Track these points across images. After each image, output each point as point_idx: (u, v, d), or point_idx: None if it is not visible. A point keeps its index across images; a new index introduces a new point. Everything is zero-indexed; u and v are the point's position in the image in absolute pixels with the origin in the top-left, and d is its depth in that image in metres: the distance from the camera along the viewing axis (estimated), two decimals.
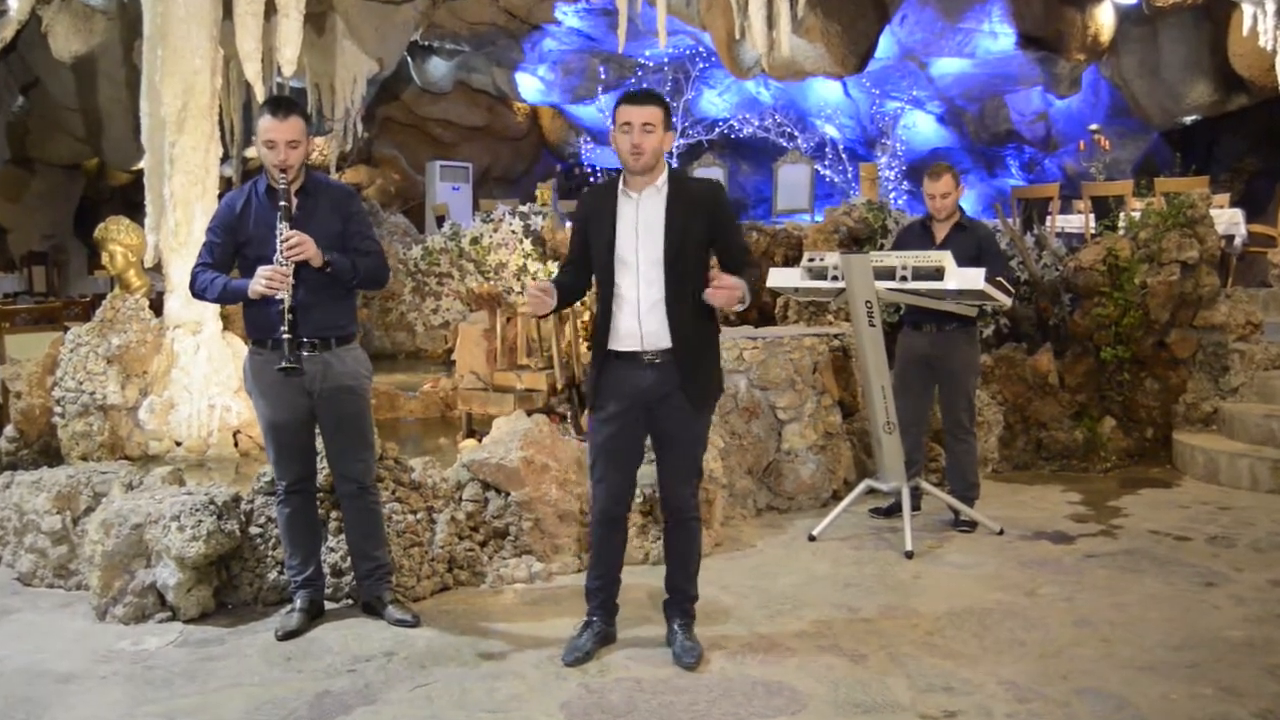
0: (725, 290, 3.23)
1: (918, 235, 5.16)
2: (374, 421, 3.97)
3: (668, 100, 3.50)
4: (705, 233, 3.38)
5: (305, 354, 3.63)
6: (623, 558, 3.58)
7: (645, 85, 15.24)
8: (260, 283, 3.54)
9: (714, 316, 3.51)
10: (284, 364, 3.53)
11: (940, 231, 5.06)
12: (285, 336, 3.53)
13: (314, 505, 3.91)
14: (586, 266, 3.50)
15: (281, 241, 3.54)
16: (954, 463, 5.16)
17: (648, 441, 3.52)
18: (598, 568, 3.54)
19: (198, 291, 3.72)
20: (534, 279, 9.08)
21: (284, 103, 3.68)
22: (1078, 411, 6.48)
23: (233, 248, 3.71)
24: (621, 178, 3.43)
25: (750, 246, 3.41)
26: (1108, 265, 6.50)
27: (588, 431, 3.58)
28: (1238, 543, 4.80)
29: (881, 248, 6.61)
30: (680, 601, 3.54)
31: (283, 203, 3.58)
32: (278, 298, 3.54)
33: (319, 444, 3.89)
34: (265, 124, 3.59)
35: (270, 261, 3.57)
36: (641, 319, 3.34)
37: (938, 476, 5.55)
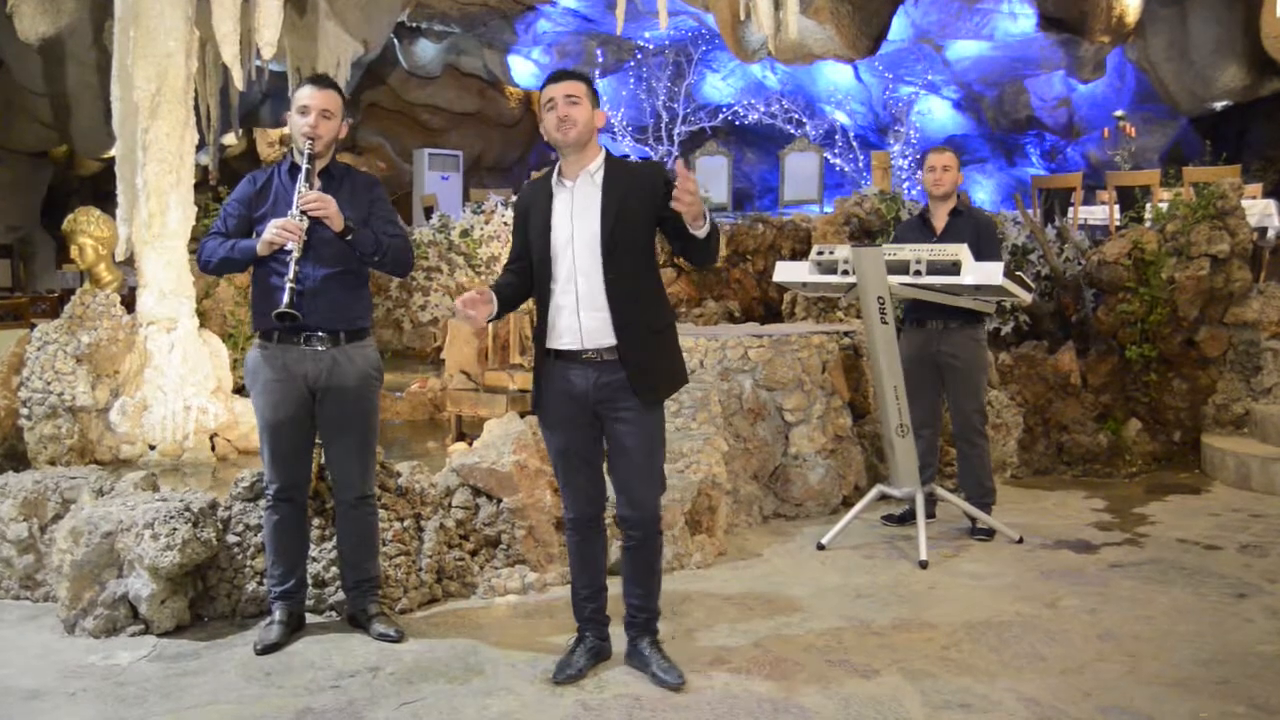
0: (687, 191, 3.05)
1: (916, 228, 5.24)
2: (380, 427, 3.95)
3: (591, 78, 3.47)
4: (648, 215, 3.28)
5: (318, 349, 3.65)
6: (606, 563, 3.53)
7: (643, 69, 15.29)
8: (271, 231, 3.56)
9: (664, 306, 3.43)
10: (283, 309, 3.54)
11: (939, 220, 5.12)
12: (290, 285, 3.55)
13: (304, 514, 3.90)
14: (529, 266, 3.41)
15: (299, 198, 3.58)
16: (967, 468, 5.17)
17: None
18: (581, 577, 3.49)
19: (204, 260, 3.73)
20: None
21: (326, 78, 3.84)
22: (1101, 413, 6.49)
23: (248, 223, 3.74)
24: (556, 168, 3.39)
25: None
26: (1133, 259, 6.50)
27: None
28: (1271, 552, 4.80)
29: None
30: (647, 621, 3.47)
31: (306, 165, 3.63)
32: (287, 248, 3.56)
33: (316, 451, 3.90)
34: (303, 92, 3.70)
35: None
36: (581, 314, 3.28)
37: (952, 483, 5.55)
